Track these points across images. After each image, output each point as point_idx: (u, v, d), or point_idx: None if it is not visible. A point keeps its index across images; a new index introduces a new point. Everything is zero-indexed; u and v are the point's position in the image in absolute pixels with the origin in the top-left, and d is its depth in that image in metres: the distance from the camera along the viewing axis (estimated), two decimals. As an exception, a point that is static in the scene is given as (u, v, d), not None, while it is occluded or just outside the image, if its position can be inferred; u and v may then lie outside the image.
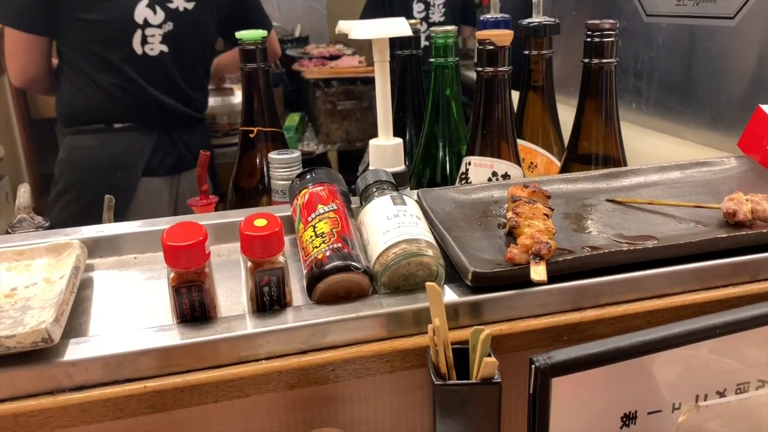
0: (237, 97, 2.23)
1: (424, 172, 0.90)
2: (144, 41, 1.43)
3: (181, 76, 1.51)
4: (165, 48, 1.46)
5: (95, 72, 1.42)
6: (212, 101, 2.24)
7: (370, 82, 2.34)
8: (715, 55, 0.89)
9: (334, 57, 2.62)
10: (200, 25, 1.52)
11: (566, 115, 0.88)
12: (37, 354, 0.47)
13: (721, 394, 0.51)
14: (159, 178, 1.51)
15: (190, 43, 1.52)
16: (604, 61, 0.74)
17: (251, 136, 0.88)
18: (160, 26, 1.44)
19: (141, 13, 1.41)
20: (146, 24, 1.42)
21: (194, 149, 1.55)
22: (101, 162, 1.45)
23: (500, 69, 0.71)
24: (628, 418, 0.49)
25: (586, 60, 0.75)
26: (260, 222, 0.51)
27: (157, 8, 1.42)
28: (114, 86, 1.43)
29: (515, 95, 0.81)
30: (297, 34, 3.17)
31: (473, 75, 0.76)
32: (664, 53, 0.98)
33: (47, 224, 0.70)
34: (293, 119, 2.45)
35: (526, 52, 0.86)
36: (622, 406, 0.48)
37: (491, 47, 0.70)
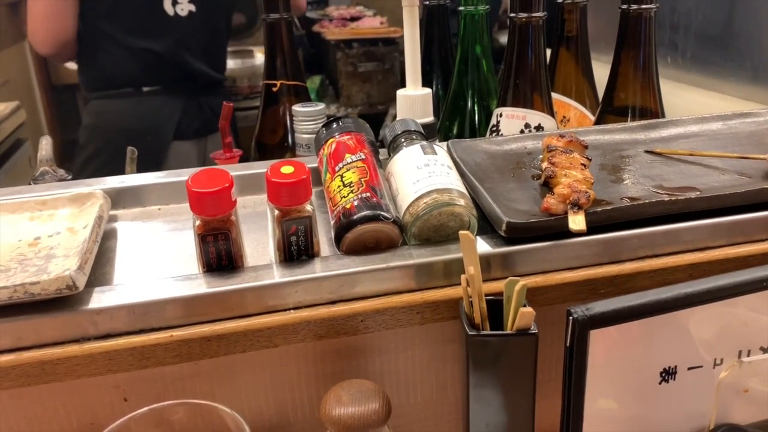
0: (257, 60, 2.20)
1: (452, 127, 0.87)
2: (174, 2, 1.41)
3: (207, 37, 1.49)
4: (193, 8, 1.43)
5: (126, 36, 1.40)
6: (232, 63, 2.22)
7: (391, 43, 2.30)
8: (757, 3, 0.85)
9: (354, 18, 2.57)
10: None
11: (598, 71, 0.85)
12: (61, 302, 0.46)
13: (765, 350, 0.49)
14: (188, 141, 1.50)
15: (217, 1, 1.49)
16: (644, 6, 0.70)
17: (274, 90, 0.86)
18: None
19: None
20: None
21: (219, 111, 1.53)
22: (131, 126, 1.44)
23: (534, 15, 0.68)
24: (668, 374, 0.47)
25: (624, 6, 0.71)
26: (287, 169, 0.49)
27: None
28: (145, 50, 1.41)
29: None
30: (317, -5, 3.11)
31: (498, 36, 0.73)
32: (702, 3, 0.93)
33: (70, 177, 0.70)
34: (314, 82, 2.42)
35: (560, 1, 0.82)
36: (661, 361, 0.46)
37: (525, -8, 0.67)
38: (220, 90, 1.59)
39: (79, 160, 1.46)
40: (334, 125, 0.60)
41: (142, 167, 0.81)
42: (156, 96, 1.45)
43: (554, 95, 0.83)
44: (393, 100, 0.70)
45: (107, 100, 1.46)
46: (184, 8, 1.42)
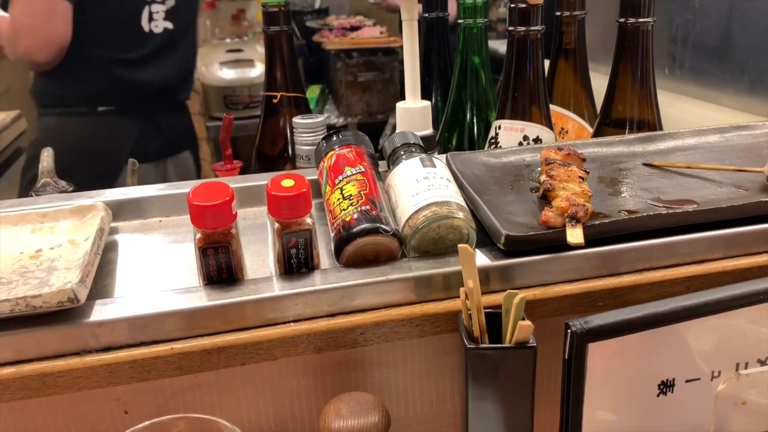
0: (257, 70, 2.21)
1: (451, 138, 0.87)
2: (150, 18, 1.39)
3: (177, 55, 1.46)
4: (169, 25, 1.41)
5: (98, 51, 1.35)
6: (233, 73, 2.23)
7: (391, 53, 2.31)
8: (755, 15, 0.85)
9: (354, 28, 2.58)
10: None
11: (596, 82, 0.85)
12: (63, 314, 0.46)
13: (763, 363, 0.49)
14: (146, 164, 1.41)
15: (188, 19, 1.47)
16: (641, 20, 0.71)
17: (274, 101, 0.87)
18: (163, 2, 1.40)
19: None
20: (153, 0, 1.38)
21: (180, 133, 1.51)
22: (84, 148, 1.37)
23: (532, 28, 0.68)
24: (666, 386, 0.47)
25: (622, 20, 0.72)
26: (287, 182, 0.50)
27: None
28: (114, 65, 1.36)
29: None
30: (317, 5, 3.12)
31: (497, 47, 0.73)
32: (700, 15, 0.94)
33: (71, 188, 0.70)
34: (314, 91, 2.43)
35: (558, 13, 0.83)
36: (659, 374, 0.47)
37: (523, 5, 0.68)
38: (181, 110, 1.55)
39: (26, 179, 1.36)
40: (334, 138, 0.61)
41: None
42: (112, 117, 1.40)
43: (552, 107, 0.83)
44: (393, 109, 0.70)
45: (59, 117, 1.38)
46: (159, 25, 1.40)
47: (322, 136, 0.68)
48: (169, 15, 1.41)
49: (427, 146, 0.65)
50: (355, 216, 0.51)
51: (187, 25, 1.47)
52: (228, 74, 2.22)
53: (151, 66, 1.41)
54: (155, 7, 1.39)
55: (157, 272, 0.56)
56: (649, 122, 0.75)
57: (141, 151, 1.41)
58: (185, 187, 0.65)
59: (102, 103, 1.39)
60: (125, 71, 1.39)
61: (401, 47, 0.68)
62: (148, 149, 1.43)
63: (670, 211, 0.54)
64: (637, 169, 0.64)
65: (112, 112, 1.40)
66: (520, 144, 0.72)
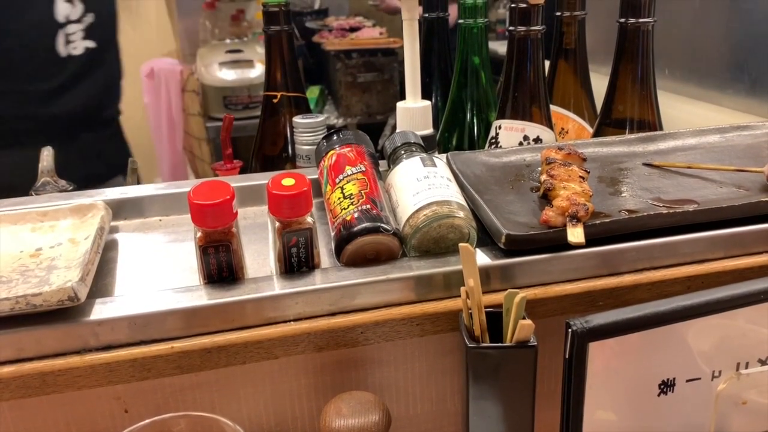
0: (257, 70, 2.21)
1: (451, 138, 0.87)
2: (67, 41, 1.27)
3: (102, 74, 1.36)
4: (91, 43, 1.30)
5: (6, 84, 1.23)
6: (233, 74, 2.23)
7: (391, 53, 2.31)
8: (755, 15, 0.85)
9: (354, 29, 2.58)
10: (116, 10, 1.38)
11: (596, 82, 0.86)
12: (63, 313, 0.46)
13: (763, 363, 0.49)
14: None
15: (111, 33, 1.37)
16: (641, 20, 0.71)
17: (274, 101, 0.87)
18: (80, 20, 1.28)
19: (62, 10, 1.24)
20: (67, 21, 1.26)
21: (112, 154, 1.39)
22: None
23: (533, 28, 0.68)
24: (666, 386, 0.47)
25: (622, 20, 0.72)
26: (288, 181, 0.50)
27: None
28: (28, 97, 1.25)
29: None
30: (316, 6, 3.12)
31: (497, 48, 0.74)
32: (701, 15, 0.94)
33: (71, 187, 0.70)
34: (313, 92, 2.43)
35: (558, 14, 0.83)
36: (659, 373, 0.47)
37: (524, 5, 0.68)
38: (112, 128, 1.44)
39: None
40: (335, 137, 0.61)
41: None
42: (27, 149, 1.17)
43: (553, 107, 0.83)
44: (392, 110, 0.70)
45: None
46: (78, 46, 1.27)
47: (322, 136, 0.68)
48: (89, 33, 1.29)
49: (428, 146, 0.65)
50: (356, 215, 0.51)
51: (111, 40, 1.37)
52: (227, 75, 2.21)
53: (70, 92, 1.29)
54: (71, 28, 1.26)
55: (158, 271, 0.56)
56: (649, 122, 0.75)
57: (69, 180, 1.31)
58: (185, 186, 0.65)
59: (14, 139, 1.25)
60: (39, 103, 1.27)
61: (401, 48, 0.68)
62: (74, 179, 1.31)
63: (671, 211, 0.54)
64: (637, 169, 0.64)
65: (27, 144, 1.21)
66: (521, 144, 0.72)
